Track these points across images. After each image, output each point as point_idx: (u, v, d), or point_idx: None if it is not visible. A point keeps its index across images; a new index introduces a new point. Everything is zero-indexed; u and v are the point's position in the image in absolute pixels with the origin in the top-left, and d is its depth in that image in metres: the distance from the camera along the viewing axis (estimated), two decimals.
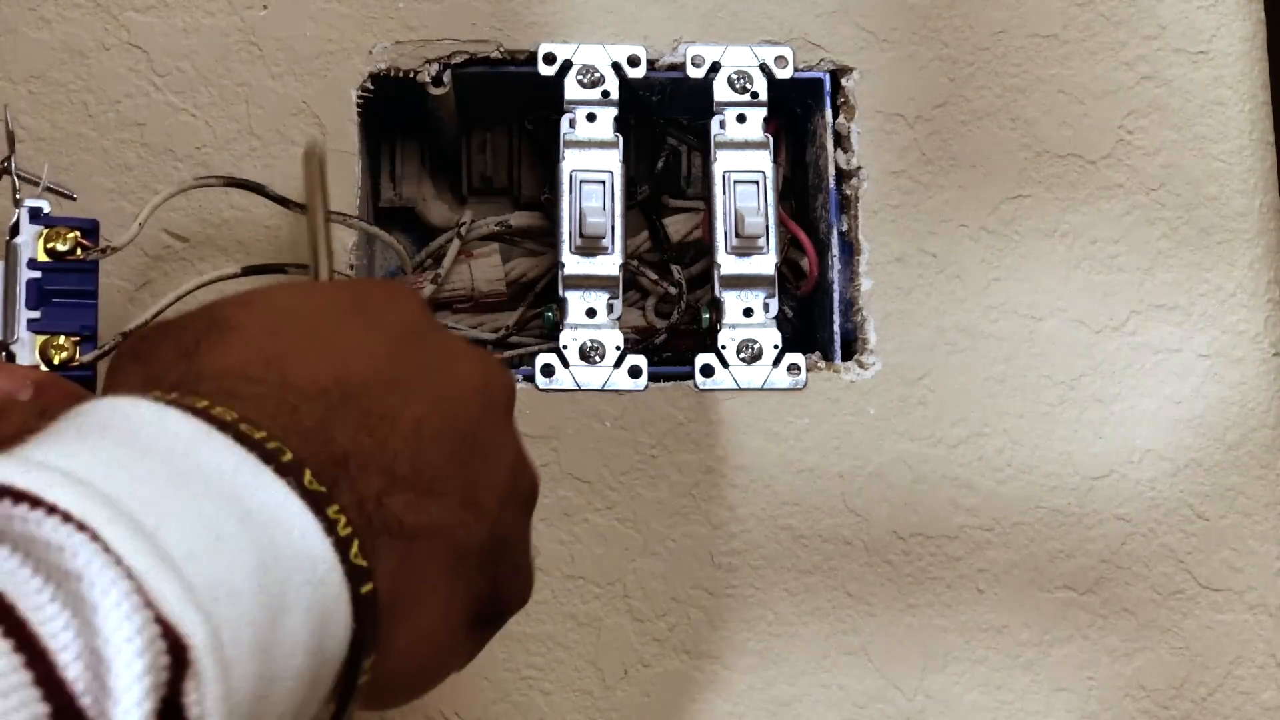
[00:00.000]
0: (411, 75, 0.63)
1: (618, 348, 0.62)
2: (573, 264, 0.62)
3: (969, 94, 0.65)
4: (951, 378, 0.63)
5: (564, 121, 0.64)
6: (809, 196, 0.69)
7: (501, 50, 0.64)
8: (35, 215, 0.53)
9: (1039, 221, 0.64)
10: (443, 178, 0.71)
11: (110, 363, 0.38)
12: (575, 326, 0.62)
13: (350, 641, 0.32)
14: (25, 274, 0.53)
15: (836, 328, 0.65)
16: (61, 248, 0.53)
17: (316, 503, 0.31)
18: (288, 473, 0.31)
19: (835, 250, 0.65)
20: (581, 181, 0.63)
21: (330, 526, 0.31)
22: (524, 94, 0.67)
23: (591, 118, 0.64)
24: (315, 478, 0.31)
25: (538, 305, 0.68)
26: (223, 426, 0.31)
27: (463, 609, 0.37)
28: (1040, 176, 0.65)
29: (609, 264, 0.62)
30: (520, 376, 0.61)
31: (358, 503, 0.33)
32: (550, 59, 0.64)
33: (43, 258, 0.53)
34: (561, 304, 0.62)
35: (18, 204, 0.54)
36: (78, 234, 0.53)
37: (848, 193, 0.65)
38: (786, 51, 0.65)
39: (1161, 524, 0.62)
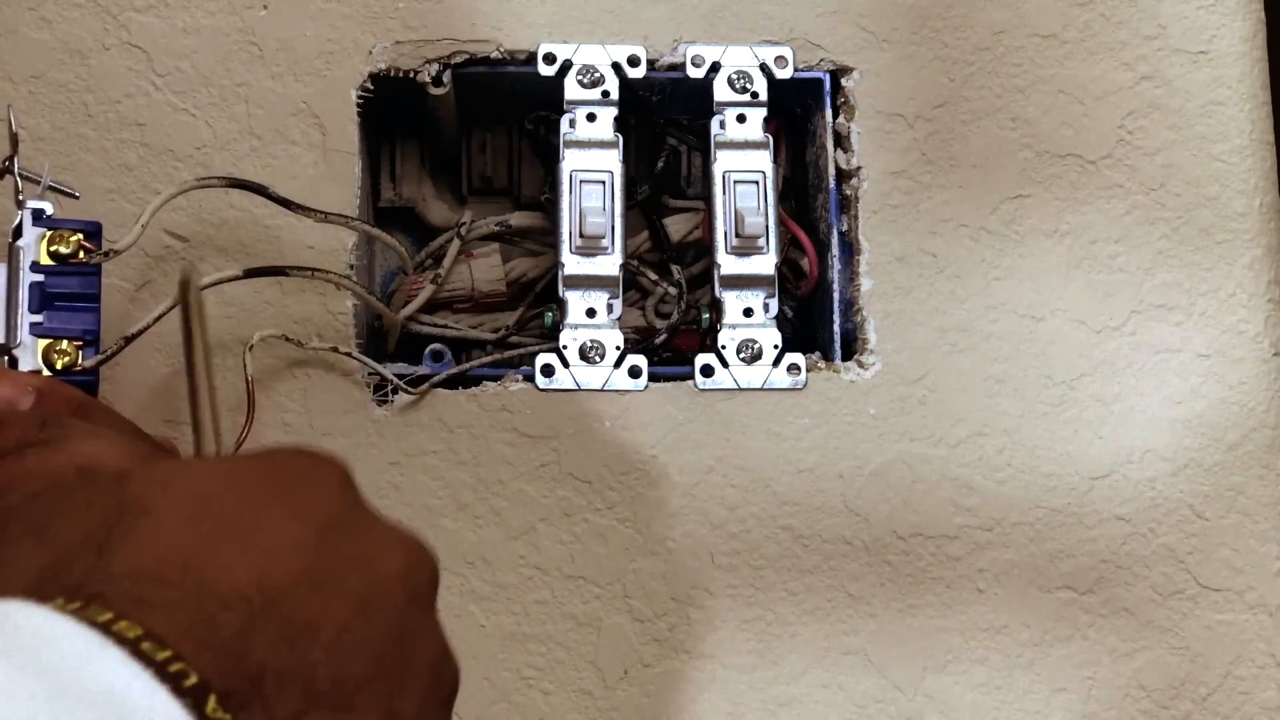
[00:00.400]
0: (411, 75, 0.63)
1: (618, 348, 0.62)
2: (573, 264, 0.62)
3: (969, 94, 0.65)
4: (951, 378, 0.63)
5: (564, 121, 0.64)
6: (809, 196, 0.69)
7: (501, 50, 0.64)
8: (38, 217, 0.53)
9: (1039, 221, 0.64)
10: (443, 178, 0.71)
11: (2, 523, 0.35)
12: (575, 326, 0.62)
13: None
14: (28, 277, 0.52)
15: (836, 328, 0.65)
16: (64, 250, 0.52)
17: None
18: (188, 695, 0.29)
19: (835, 250, 0.65)
20: (581, 181, 0.63)
21: None
22: (524, 94, 0.67)
23: (591, 118, 0.64)
24: (222, 701, 0.30)
25: (538, 305, 0.68)
26: (123, 643, 0.29)
27: None
28: (1040, 176, 0.65)
29: (609, 264, 0.62)
30: (520, 376, 0.61)
31: None
32: (550, 59, 0.64)
33: (45, 260, 0.52)
34: (561, 304, 0.62)
35: (20, 205, 0.53)
36: (80, 237, 0.53)
37: (848, 193, 0.65)
38: (786, 51, 0.65)
39: (1161, 524, 0.62)
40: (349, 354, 0.60)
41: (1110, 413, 0.63)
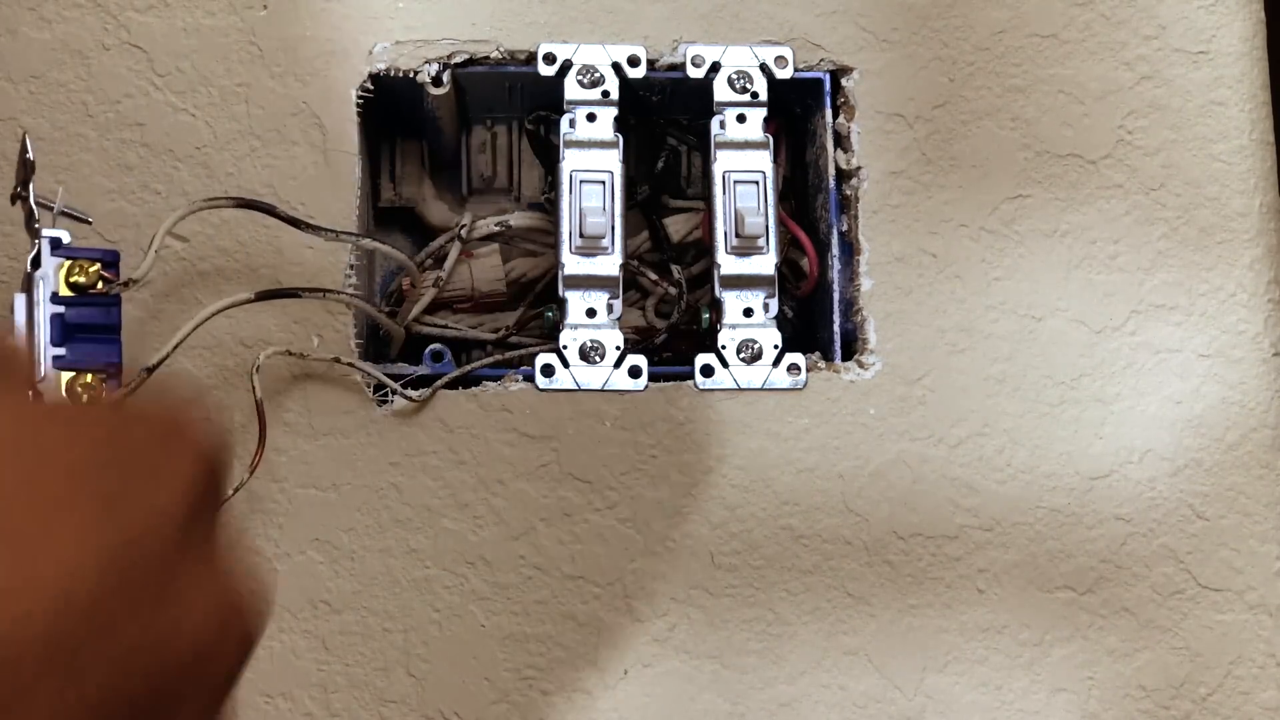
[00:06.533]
0: (411, 75, 0.63)
1: (618, 348, 0.62)
2: (573, 264, 0.62)
3: (969, 94, 0.65)
4: (951, 378, 0.63)
5: (564, 121, 0.64)
6: (809, 196, 0.69)
7: (501, 50, 0.64)
8: (56, 246, 0.52)
9: (1039, 221, 0.64)
10: (443, 178, 0.71)
11: None
12: (575, 326, 0.62)
13: None
14: (49, 309, 0.51)
15: (836, 328, 0.65)
16: (83, 281, 0.51)
17: None
18: None
19: (835, 250, 0.65)
20: (581, 181, 0.63)
21: None
22: (524, 94, 0.67)
23: (591, 118, 0.64)
24: None
25: (538, 305, 0.68)
26: None
27: None
28: (1040, 176, 0.65)
29: (609, 264, 0.62)
30: (520, 376, 0.61)
31: None
32: (550, 59, 0.64)
33: (64, 291, 0.51)
34: (561, 304, 0.62)
35: (37, 234, 0.52)
36: (99, 266, 0.52)
37: (848, 193, 0.65)
38: (786, 51, 0.65)
39: (1161, 524, 0.62)
40: (350, 364, 0.60)
41: (1110, 413, 0.63)
